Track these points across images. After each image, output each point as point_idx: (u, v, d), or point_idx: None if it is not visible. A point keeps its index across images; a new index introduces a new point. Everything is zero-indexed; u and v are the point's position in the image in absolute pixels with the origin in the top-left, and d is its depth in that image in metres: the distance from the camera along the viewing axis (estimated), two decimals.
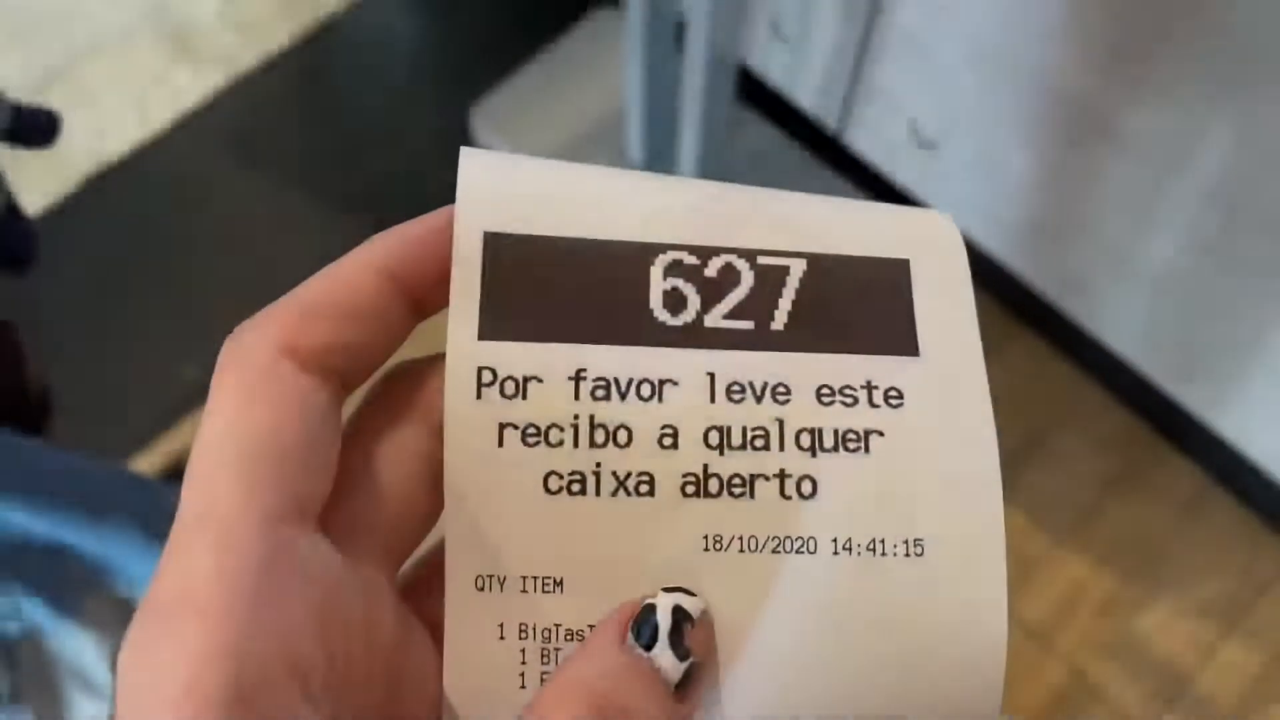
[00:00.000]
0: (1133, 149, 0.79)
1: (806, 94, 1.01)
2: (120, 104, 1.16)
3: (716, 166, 1.05)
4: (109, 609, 0.58)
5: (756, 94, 1.08)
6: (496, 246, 0.18)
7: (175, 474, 0.92)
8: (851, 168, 1.05)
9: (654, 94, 1.00)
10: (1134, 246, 0.85)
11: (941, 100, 0.89)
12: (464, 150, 0.18)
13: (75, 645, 0.57)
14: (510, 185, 0.18)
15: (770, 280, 0.19)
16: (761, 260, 0.19)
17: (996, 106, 0.86)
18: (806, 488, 0.18)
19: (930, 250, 0.19)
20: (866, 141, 0.99)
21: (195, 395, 1.02)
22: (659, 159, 1.07)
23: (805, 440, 0.18)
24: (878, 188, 1.04)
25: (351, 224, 1.10)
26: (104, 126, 1.15)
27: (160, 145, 1.14)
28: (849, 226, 0.19)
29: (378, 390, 0.18)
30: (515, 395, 0.17)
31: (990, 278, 1.03)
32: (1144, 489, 0.99)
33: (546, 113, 1.11)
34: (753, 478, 0.17)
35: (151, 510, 0.58)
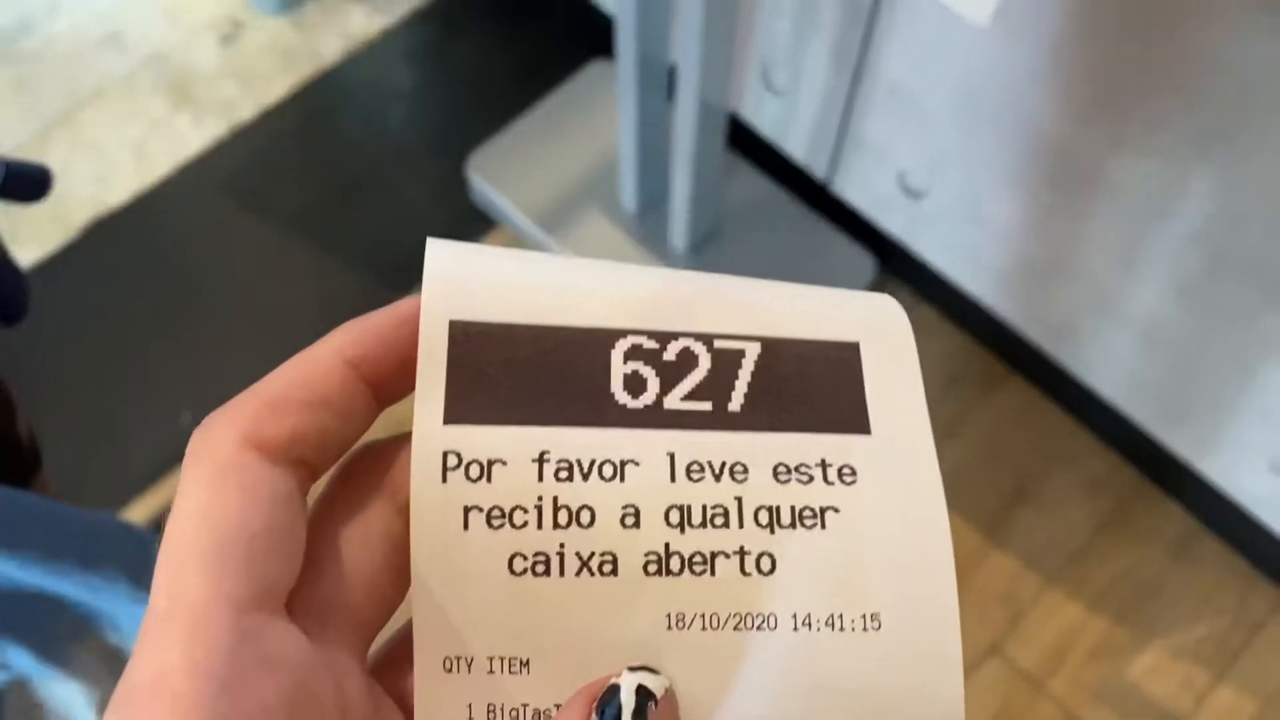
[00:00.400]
0: (1117, 195, 0.80)
1: (796, 144, 1.02)
2: (121, 152, 1.18)
3: (708, 214, 1.06)
4: (97, 658, 0.58)
5: (748, 143, 1.09)
6: (461, 334, 0.19)
7: None
8: (841, 215, 1.06)
9: (646, 143, 1.01)
10: (1120, 292, 0.86)
11: (928, 150, 0.90)
12: (430, 241, 0.19)
13: (63, 694, 0.57)
14: (475, 275, 0.19)
15: (726, 363, 0.19)
16: (718, 344, 0.19)
17: (982, 155, 0.87)
18: (766, 564, 0.18)
19: (879, 334, 0.20)
20: (855, 190, 1.00)
21: None
22: (652, 207, 1.08)
23: (764, 517, 0.18)
24: (867, 235, 1.06)
25: (349, 270, 1.11)
26: (104, 174, 1.16)
27: (160, 193, 1.15)
28: (801, 311, 0.20)
29: (343, 471, 0.19)
30: (480, 478, 0.18)
31: (980, 323, 1.04)
32: (1134, 532, 0.99)
33: (542, 161, 1.12)
34: (713, 555, 0.18)
35: (141, 560, 0.58)
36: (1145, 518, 0.99)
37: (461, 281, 0.19)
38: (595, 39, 1.15)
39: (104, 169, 1.16)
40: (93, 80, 1.22)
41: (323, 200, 1.16)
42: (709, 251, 1.07)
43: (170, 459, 1.01)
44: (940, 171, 0.91)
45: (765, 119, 1.03)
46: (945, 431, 1.00)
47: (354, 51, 1.24)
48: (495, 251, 0.20)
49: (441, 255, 0.19)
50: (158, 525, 0.90)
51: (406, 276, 1.09)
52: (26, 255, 1.10)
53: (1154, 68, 0.72)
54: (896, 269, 1.08)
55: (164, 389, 1.04)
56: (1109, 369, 0.93)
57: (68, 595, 0.54)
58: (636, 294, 0.20)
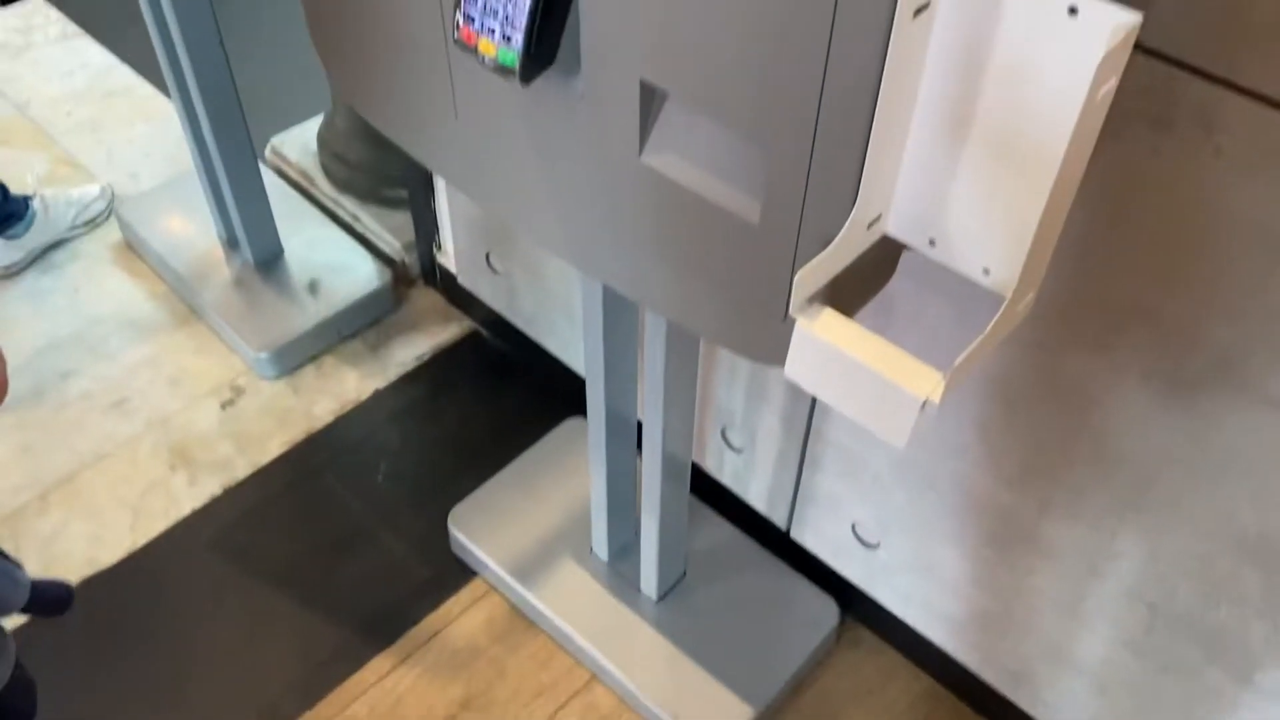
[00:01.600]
0: (1053, 553, 0.86)
1: (757, 495, 1.09)
2: (117, 512, 1.23)
3: (676, 560, 1.11)
4: None
5: (712, 493, 1.16)
6: None
7: None
8: (803, 562, 1.12)
9: (616, 493, 1.08)
10: (1069, 641, 0.90)
11: (877, 505, 0.97)
12: None
13: None
14: None
15: None
16: None
17: (925, 513, 0.93)
18: None
19: None
20: (814, 539, 1.07)
21: None
22: (623, 554, 1.14)
23: None
24: (829, 581, 1.10)
25: (332, 627, 1.14)
26: (100, 534, 1.21)
27: (152, 551, 1.20)
28: None
29: None
30: None
31: (943, 667, 1.06)
32: None
33: (519, 513, 1.18)
34: None
35: None
36: None
37: None
38: (570, 398, 1.24)
39: (100, 529, 1.22)
40: (96, 444, 1.30)
41: (309, 555, 1.21)
42: (678, 598, 1.12)
43: None
44: (889, 525, 0.97)
45: (727, 472, 1.11)
46: None
47: (345, 412, 1.33)
48: None
49: None
50: None
51: (386, 632, 1.13)
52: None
53: (1069, 445, 0.80)
54: (859, 614, 1.12)
55: None
56: (1070, 716, 0.95)
57: None
58: None
